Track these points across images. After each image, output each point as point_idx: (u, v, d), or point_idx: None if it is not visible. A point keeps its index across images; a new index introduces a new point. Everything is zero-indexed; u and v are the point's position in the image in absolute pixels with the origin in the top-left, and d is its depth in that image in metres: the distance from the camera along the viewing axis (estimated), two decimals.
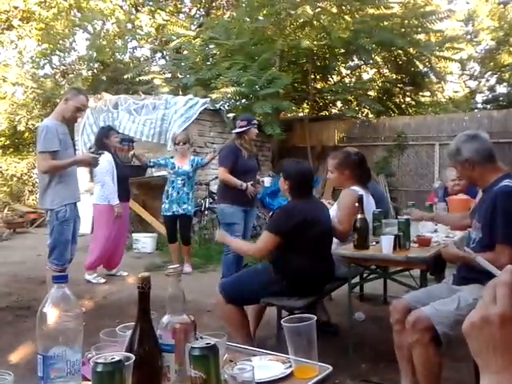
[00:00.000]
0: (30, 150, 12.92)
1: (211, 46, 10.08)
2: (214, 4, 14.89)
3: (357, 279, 3.74)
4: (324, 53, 10.13)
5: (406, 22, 9.82)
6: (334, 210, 3.39)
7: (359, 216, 3.02)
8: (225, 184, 4.73)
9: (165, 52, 13.26)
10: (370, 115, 10.78)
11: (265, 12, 9.50)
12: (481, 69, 15.33)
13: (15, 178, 11.96)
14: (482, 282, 2.16)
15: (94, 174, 5.27)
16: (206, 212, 7.25)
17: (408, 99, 11.28)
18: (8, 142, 13.67)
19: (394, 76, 10.64)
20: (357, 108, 10.84)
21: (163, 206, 5.60)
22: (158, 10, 13.62)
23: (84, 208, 5.86)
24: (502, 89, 14.66)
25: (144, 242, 7.00)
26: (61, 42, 13.33)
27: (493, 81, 15.03)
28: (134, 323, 1.21)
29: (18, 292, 4.92)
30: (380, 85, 10.81)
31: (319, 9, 9.21)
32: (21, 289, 5.05)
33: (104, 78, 13.77)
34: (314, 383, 1.28)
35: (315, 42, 9.26)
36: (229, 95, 8.53)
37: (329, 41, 9.20)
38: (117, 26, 13.72)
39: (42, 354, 1.14)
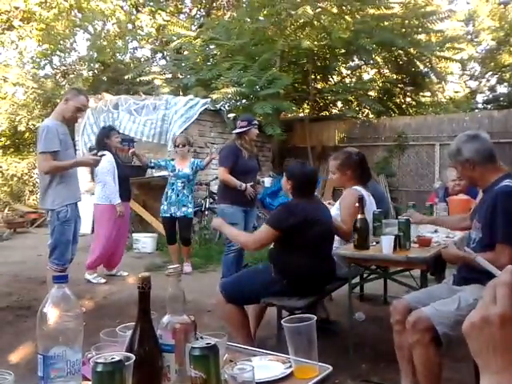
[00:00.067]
0: (31, 150, 12.92)
1: (212, 47, 10.08)
2: (214, 4, 14.87)
3: (357, 279, 3.74)
4: (324, 53, 10.12)
5: (407, 22, 9.81)
6: (335, 210, 3.40)
7: (359, 216, 3.02)
8: (225, 184, 4.73)
9: (165, 52, 13.24)
10: (371, 115, 10.75)
11: (265, 12, 9.50)
12: (481, 69, 15.31)
13: (16, 178, 11.95)
14: (482, 282, 2.16)
15: (95, 174, 5.27)
16: (207, 212, 7.26)
17: (408, 99, 11.27)
18: (8, 142, 13.67)
19: (395, 76, 10.62)
20: (357, 108, 10.83)
21: (162, 207, 5.61)
22: (159, 11, 13.59)
23: (85, 208, 5.87)
24: (502, 89, 14.66)
25: (144, 242, 7.00)
26: (61, 42, 13.31)
27: (493, 81, 15.02)
28: (134, 323, 1.21)
29: (18, 292, 4.92)
30: (380, 85, 10.79)
31: (320, 9, 9.19)
32: (21, 289, 5.05)
33: (104, 78, 13.77)
34: (314, 383, 1.28)
35: (316, 43, 9.25)
36: (229, 95, 8.52)
37: (329, 41, 9.18)
38: (117, 26, 13.71)
39: (42, 354, 1.14)
